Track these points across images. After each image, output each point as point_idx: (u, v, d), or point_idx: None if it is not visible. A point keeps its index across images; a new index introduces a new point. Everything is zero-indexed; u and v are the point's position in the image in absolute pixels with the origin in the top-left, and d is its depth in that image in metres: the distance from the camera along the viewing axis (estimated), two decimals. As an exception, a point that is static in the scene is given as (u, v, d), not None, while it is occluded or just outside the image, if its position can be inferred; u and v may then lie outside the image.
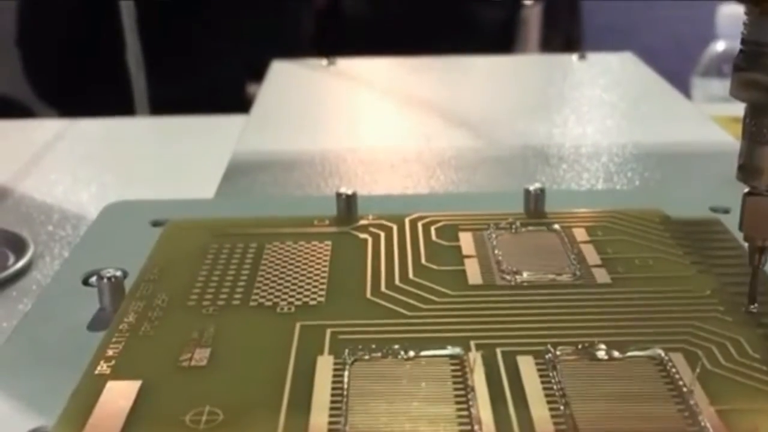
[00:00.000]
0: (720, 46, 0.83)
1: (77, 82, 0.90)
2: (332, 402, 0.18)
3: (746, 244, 0.21)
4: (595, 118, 0.44)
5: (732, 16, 0.76)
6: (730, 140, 0.38)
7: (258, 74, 0.53)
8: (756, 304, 0.21)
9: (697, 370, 0.18)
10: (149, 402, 0.18)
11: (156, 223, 0.27)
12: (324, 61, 0.54)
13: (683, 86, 0.75)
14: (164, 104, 0.69)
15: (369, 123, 0.44)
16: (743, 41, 0.19)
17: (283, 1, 0.91)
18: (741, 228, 0.20)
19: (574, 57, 0.55)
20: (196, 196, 0.31)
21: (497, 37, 1.01)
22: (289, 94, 0.49)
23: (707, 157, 0.37)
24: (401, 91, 0.49)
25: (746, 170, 0.20)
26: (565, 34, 1.13)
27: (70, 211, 0.36)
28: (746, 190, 0.20)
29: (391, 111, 0.46)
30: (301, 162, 0.37)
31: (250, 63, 0.62)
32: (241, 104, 0.52)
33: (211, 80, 0.88)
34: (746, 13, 0.19)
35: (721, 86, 0.79)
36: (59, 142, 0.46)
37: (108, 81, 0.85)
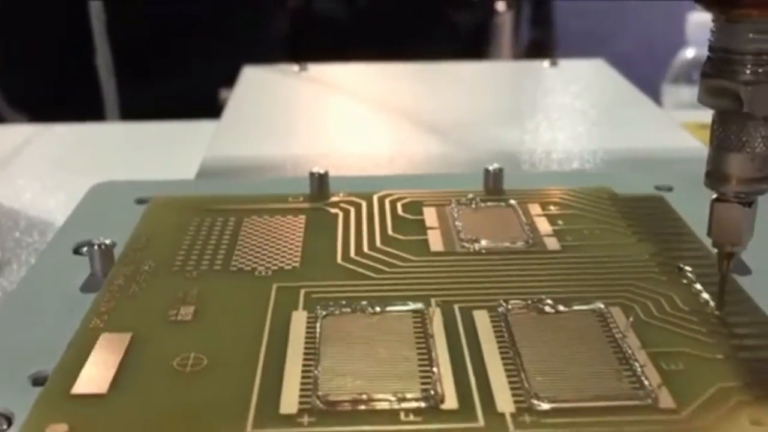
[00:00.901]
0: (690, 53, 0.85)
1: (48, 86, 0.90)
2: (306, 348, 0.20)
3: (715, 250, 0.21)
4: (567, 124, 0.44)
5: (701, 24, 0.77)
6: (699, 146, 0.39)
7: (231, 79, 0.53)
8: (723, 309, 0.21)
9: (631, 318, 0.20)
10: (139, 350, 0.20)
11: (141, 201, 0.29)
12: (295, 67, 0.54)
13: (654, 93, 0.76)
14: (136, 110, 0.69)
15: (341, 129, 0.45)
16: (710, 48, 0.19)
17: (257, 3, 0.92)
18: (709, 234, 0.20)
19: (546, 63, 0.55)
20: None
21: (471, 42, 1.03)
22: (260, 100, 0.49)
23: (676, 162, 0.38)
24: (373, 97, 0.49)
25: (714, 177, 0.20)
26: (538, 41, 1.15)
27: (38, 218, 0.36)
28: (714, 196, 0.20)
29: (363, 117, 0.46)
30: (271, 167, 0.37)
31: (223, 67, 0.61)
32: (213, 109, 0.50)
33: (184, 85, 0.88)
34: (713, 20, 0.19)
35: (691, 93, 0.81)
36: (28, 147, 0.46)
37: (79, 86, 0.85)
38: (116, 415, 0.17)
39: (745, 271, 0.23)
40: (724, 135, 0.19)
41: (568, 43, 1.21)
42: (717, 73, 0.19)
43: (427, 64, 0.55)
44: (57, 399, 0.18)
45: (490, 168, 0.29)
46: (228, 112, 0.46)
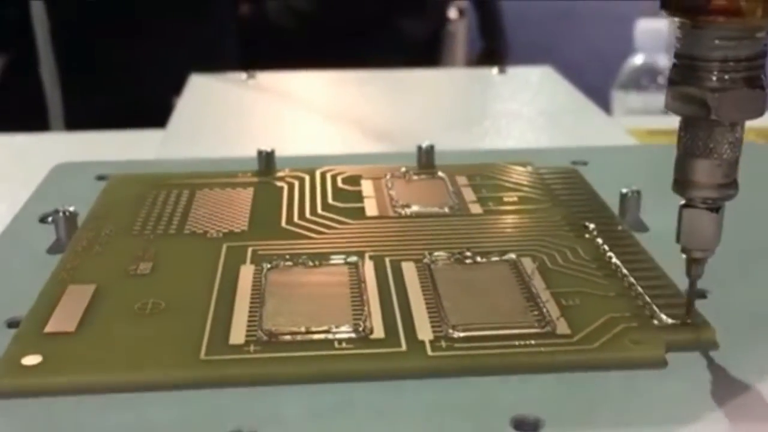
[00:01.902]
0: (638, 59, 0.87)
1: None
2: (253, 294, 0.22)
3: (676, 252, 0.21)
4: (514, 131, 0.45)
5: (649, 31, 0.79)
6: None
7: (181, 88, 0.52)
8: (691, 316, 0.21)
9: (537, 263, 0.23)
10: (103, 298, 0.22)
11: (101, 178, 0.31)
12: (243, 75, 0.53)
13: (604, 99, 0.77)
14: (84, 120, 0.67)
15: (288, 136, 0.45)
16: (676, 55, 0.19)
17: (207, 11, 0.92)
18: (678, 240, 0.20)
19: (494, 71, 0.55)
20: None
21: (424, 50, 1.04)
22: (207, 108, 0.49)
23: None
24: (322, 104, 0.50)
25: (681, 183, 0.20)
26: (489, 49, 1.17)
27: None
28: (682, 202, 0.20)
29: (311, 125, 0.46)
30: None
31: (174, 75, 0.61)
32: (164, 119, 0.48)
33: (134, 94, 0.86)
34: (679, 27, 0.19)
35: (639, 99, 0.82)
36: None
37: (22, 95, 0.84)
38: (84, 348, 0.20)
39: (643, 228, 0.26)
40: (691, 141, 0.19)
41: (519, 51, 1.25)
42: (683, 80, 0.19)
43: (376, 71, 0.55)
44: (31, 336, 0.20)
45: (423, 145, 0.31)
46: (174, 121, 0.46)
